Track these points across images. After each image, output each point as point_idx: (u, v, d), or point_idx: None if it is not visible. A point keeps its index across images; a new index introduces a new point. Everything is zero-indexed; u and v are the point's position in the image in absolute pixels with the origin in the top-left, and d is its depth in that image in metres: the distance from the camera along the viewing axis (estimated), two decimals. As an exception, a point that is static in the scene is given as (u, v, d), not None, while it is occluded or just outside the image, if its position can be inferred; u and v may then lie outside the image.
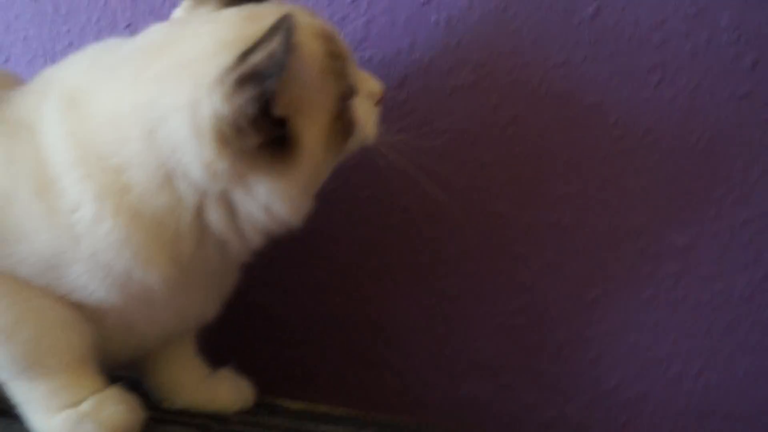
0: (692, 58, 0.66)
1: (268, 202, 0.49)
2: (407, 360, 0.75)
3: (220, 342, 0.64)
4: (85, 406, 0.51)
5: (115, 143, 0.48)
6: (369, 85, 0.58)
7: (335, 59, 0.53)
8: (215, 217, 0.49)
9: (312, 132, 0.50)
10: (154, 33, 0.54)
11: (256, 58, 0.44)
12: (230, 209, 0.50)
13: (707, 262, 0.68)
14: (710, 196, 0.67)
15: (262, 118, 0.45)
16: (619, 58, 0.67)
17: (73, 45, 0.84)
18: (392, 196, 0.74)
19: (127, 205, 0.48)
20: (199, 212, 0.49)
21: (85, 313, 0.51)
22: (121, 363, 0.59)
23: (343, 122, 0.53)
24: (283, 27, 0.44)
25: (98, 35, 0.83)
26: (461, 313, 0.74)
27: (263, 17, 0.50)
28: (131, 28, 0.81)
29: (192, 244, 0.50)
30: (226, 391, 0.63)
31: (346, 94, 0.53)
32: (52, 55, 0.85)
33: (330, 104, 0.52)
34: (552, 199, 0.71)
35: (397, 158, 0.58)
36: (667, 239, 0.68)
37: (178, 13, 0.58)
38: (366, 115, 0.56)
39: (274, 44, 0.44)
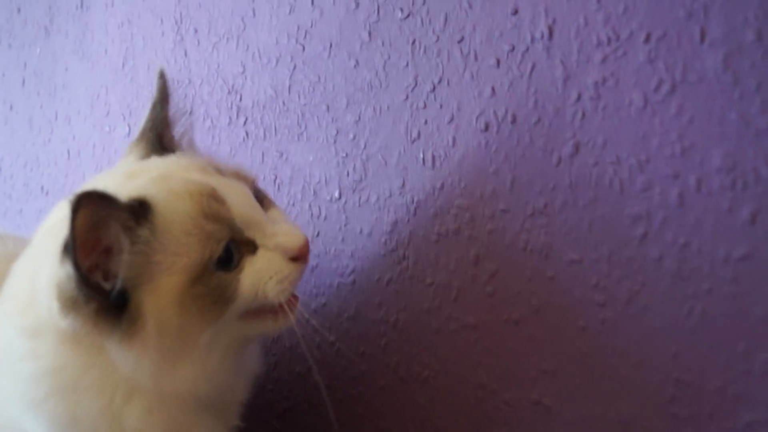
0: (680, 207, 0.88)
1: (130, 365, 0.84)
2: None
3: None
4: None
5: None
6: (280, 239, 0.91)
7: (211, 221, 0.85)
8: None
9: (156, 299, 0.82)
10: None
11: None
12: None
13: (705, 475, 0.87)
14: (706, 386, 0.86)
15: (87, 287, 0.79)
16: (599, 205, 0.93)
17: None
18: (383, 355, 1.14)
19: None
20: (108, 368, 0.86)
21: None
22: None
23: (213, 284, 0.85)
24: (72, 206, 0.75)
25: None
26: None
27: (144, 173, 0.90)
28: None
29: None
30: None
31: (222, 254, 0.86)
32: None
33: (187, 267, 0.83)
34: (533, 375, 0.99)
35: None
36: (659, 438, 0.90)
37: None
38: (267, 271, 0.89)
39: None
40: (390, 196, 1.13)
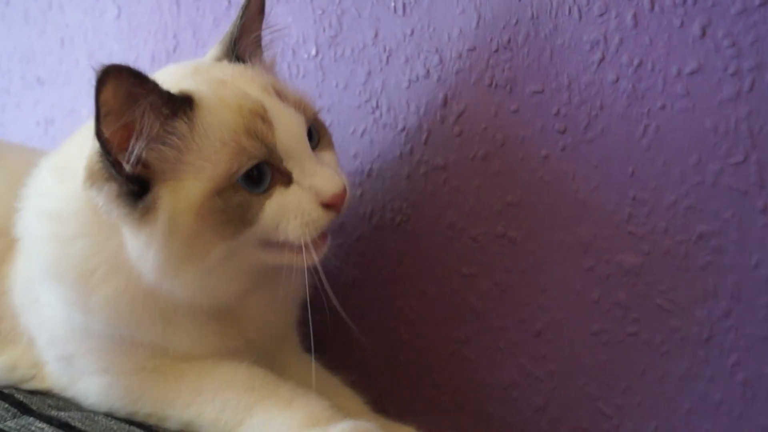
0: (634, 28, 0.90)
1: (136, 253, 0.86)
2: (369, 388, 1.13)
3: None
4: None
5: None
6: (316, 181, 0.89)
7: (251, 138, 0.86)
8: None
9: (174, 198, 0.83)
10: None
11: None
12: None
13: (659, 289, 0.91)
14: (661, 202, 0.90)
15: (109, 163, 0.82)
16: (559, 34, 0.96)
17: (139, 56, 1.55)
18: (358, 205, 1.19)
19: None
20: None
21: None
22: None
23: (235, 201, 0.85)
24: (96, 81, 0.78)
25: (155, 45, 1.52)
26: (417, 338, 1.14)
27: (208, 73, 0.93)
28: (176, 38, 1.48)
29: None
30: None
31: (254, 173, 0.86)
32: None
33: (213, 176, 0.84)
34: (498, 209, 1.04)
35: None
36: (615, 258, 0.94)
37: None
38: (294, 209, 0.88)
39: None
40: (364, 47, 1.17)
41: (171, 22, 1.46)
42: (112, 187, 0.84)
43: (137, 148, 0.83)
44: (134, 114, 0.81)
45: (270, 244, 0.91)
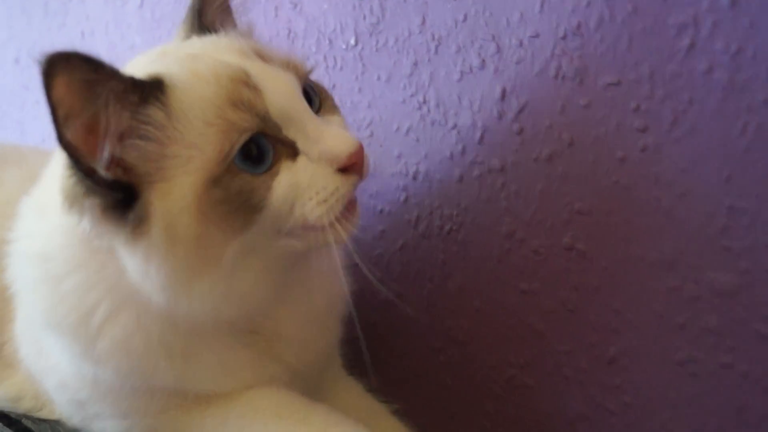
0: (731, 9, 0.75)
1: (137, 273, 0.73)
2: (414, 414, 1.01)
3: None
4: None
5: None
6: (326, 145, 0.76)
7: (237, 109, 0.72)
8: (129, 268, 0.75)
9: (167, 202, 0.70)
10: None
11: None
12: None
13: (760, 314, 0.76)
14: (763, 212, 0.75)
15: (82, 173, 0.69)
16: (639, 17, 0.82)
17: (164, 50, 1.43)
18: (402, 211, 1.06)
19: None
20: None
21: None
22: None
23: (236, 187, 0.72)
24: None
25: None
26: (469, 362, 1.01)
27: (174, 52, 0.79)
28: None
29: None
30: None
31: (254, 151, 0.73)
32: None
33: (204, 164, 0.71)
34: (565, 218, 0.89)
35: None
36: (706, 277, 0.80)
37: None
38: (308, 188, 0.75)
39: None
40: (409, 36, 1.03)
41: (197, 12, 1.34)
42: (94, 203, 0.71)
43: (108, 146, 0.69)
44: (96, 107, 0.68)
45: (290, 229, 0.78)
